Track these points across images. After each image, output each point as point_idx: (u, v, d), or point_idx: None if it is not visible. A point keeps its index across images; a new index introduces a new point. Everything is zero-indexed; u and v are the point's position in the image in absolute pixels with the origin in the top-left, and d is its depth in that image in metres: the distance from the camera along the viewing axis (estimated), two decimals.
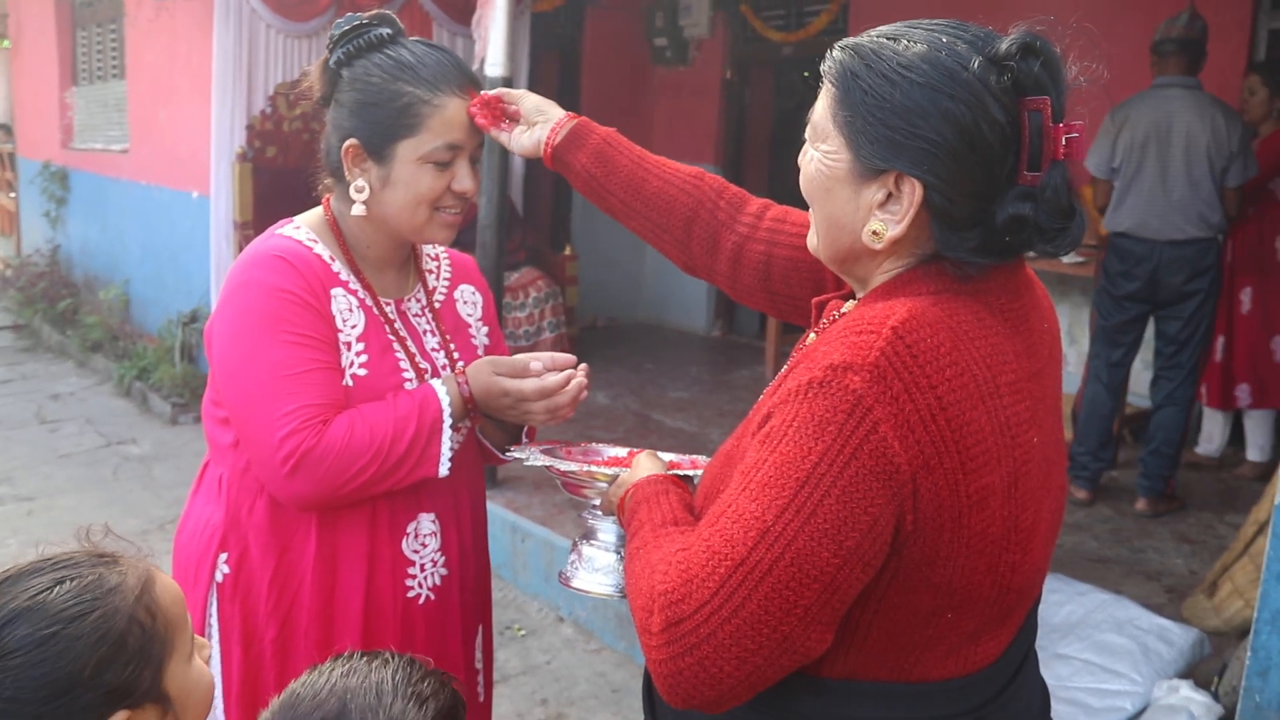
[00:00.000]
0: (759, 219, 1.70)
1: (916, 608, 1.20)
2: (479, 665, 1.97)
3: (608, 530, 1.60)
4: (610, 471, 1.54)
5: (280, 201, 6.71)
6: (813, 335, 1.42)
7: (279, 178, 6.65)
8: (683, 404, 6.64)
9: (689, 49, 8.92)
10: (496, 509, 4.65)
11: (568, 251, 7.68)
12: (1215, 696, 3.09)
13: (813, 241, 1.37)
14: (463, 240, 6.75)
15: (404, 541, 1.78)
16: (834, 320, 1.38)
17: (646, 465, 1.48)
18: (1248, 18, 5.70)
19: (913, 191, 1.20)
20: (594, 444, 1.84)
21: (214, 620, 1.75)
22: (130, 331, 8.50)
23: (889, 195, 1.23)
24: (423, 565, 1.80)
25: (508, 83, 4.51)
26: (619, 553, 1.58)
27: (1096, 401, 4.98)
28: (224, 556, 1.75)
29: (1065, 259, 5.63)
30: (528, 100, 1.81)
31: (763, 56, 8.71)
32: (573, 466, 1.56)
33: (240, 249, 6.65)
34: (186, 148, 7.41)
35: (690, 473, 1.56)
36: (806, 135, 1.34)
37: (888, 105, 1.19)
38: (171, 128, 7.74)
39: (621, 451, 1.80)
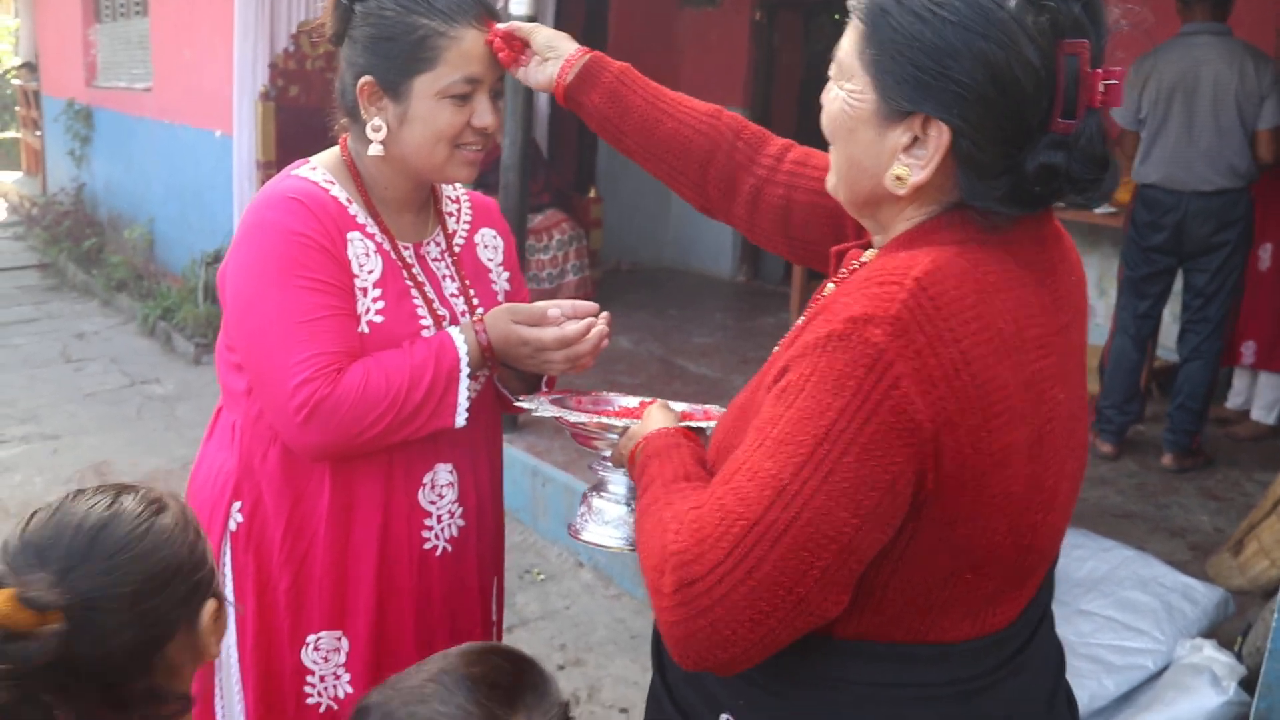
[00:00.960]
0: (779, 160, 1.65)
1: (935, 568, 1.17)
2: (495, 617, 1.96)
3: (618, 482, 1.57)
4: (621, 423, 1.51)
5: (303, 141, 6.63)
6: (831, 285, 1.38)
7: (302, 117, 6.59)
8: (706, 350, 6.60)
9: None
10: (517, 453, 4.64)
11: (592, 194, 7.61)
12: (1239, 657, 3.06)
13: (832, 183, 1.32)
14: (485, 182, 6.70)
15: (420, 492, 1.75)
16: (853, 270, 1.33)
17: (658, 417, 1.44)
18: None
19: (939, 136, 1.15)
20: (605, 393, 1.80)
21: (228, 568, 1.73)
22: (154, 271, 8.52)
23: (914, 139, 1.17)
24: (439, 516, 1.77)
25: (531, 21, 4.42)
26: (630, 505, 1.56)
27: (1123, 354, 4.91)
28: (237, 505, 1.73)
29: (1096, 209, 5.53)
30: (540, 34, 1.75)
31: None
32: (582, 418, 1.53)
33: None
34: (210, 86, 7.36)
35: (703, 424, 1.53)
36: (831, 72, 1.28)
37: (917, 44, 1.14)
38: (195, 66, 7.69)
39: (633, 401, 1.76)
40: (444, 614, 1.80)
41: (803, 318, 1.38)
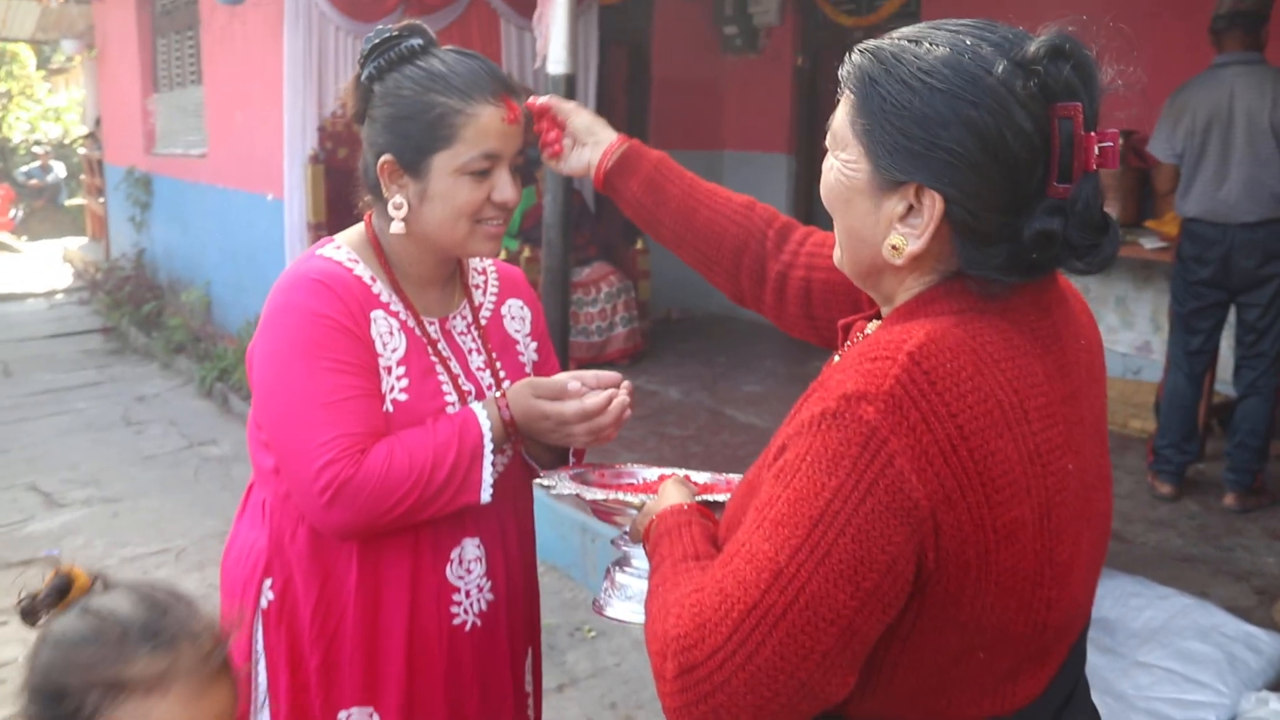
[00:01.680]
0: (801, 245, 1.67)
1: (944, 648, 1.14)
2: (529, 689, 1.95)
3: (641, 556, 1.56)
4: (637, 499, 1.51)
5: (352, 202, 6.79)
6: (836, 357, 1.37)
7: (350, 178, 6.63)
8: (755, 398, 6.57)
9: (759, 36, 8.81)
10: (566, 510, 4.64)
11: (639, 245, 7.64)
12: None
13: (837, 256, 1.32)
14: (532, 237, 6.73)
15: (448, 568, 1.76)
16: (857, 342, 1.33)
17: (672, 493, 1.44)
18: None
19: (933, 205, 1.13)
20: (628, 466, 1.80)
21: (260, 645, 1.75)
22: (211, 333, 8.67)
23: (910, 208, 1.16)
24: (468, 591, 1.78)
25: (570, 81, 4.47)
26: None
27: (1177, 391, 4.81)
28: (268, 582, 1.74)
29: (1147, 244, 5.45)
30: (579, 118, 1.79)
31: (834, 42, 8.54)
32: (599, 495, 1.53)
33: None
34: (261, 151, 7.52)
35: (718, 498, 1.51)
36: (827, 142, 1.28)
37: (906, 113, 1.13)
38: (246, 131, 7.87)
39: (654, 473, 1.76)
40: (475, 687, 1.80)
41: (805, 393, 1.38)
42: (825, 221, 1.46)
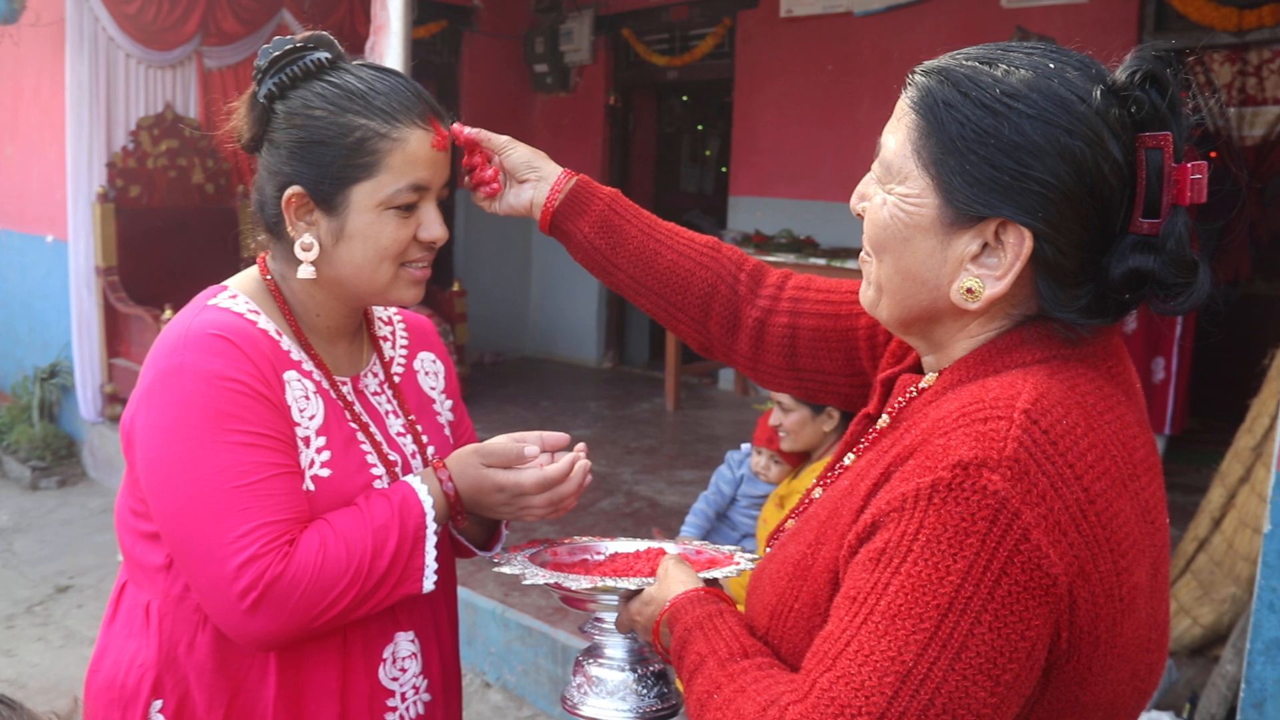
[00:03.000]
0: (780, 289, 1.52)
1: None
2: None
3: (616, 646, 1.39)
4: (624, 584, 1.32)
5: (148, 244, 6.30)
6: (885, 418, 1.21)
7: (145, 219, 6.20)
8: (588, 442, 6.30)
9: (570, 75, 8.73)
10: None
11: (456, 287, 7.37)
12: None
13: (871, 298, 1.17)
14: None
15: (381, 669, 1.49)
16: (910, 398, 1.17)
17: (679, 577, 1.27)
18: None
19: (1020, 242, 1.02)
20: (582, 539, 1.60)
21: None
22: None
23: (984, 245, 1.05)
24: (403, 694, 1.51)
25: None
26: (634, 671, 1.38)
27: None
28: (157, 704, 1.43)
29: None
30: (515, 153, 1.57)
31: (646, 81, 8.59)
32: (585, 584, 1.34)
33: (104, 296, 6.18)
34: (39, 187, 6.88)
35: (718, 574, 1.36)
36: (874, 174, 1.14)
37: (992, 140, 1.02)
38: (21, 166, 7.18)
39: (626, 546, 1.57)
40: None
41: (852, 455, 1.23)
42: None
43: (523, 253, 9.11)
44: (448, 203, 6.63)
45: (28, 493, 6.25)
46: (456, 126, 1.51)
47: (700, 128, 10.38)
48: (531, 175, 1.56)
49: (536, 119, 9.00)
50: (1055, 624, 0.94)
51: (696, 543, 1.59)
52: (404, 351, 1.67)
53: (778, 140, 7.41)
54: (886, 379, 1.26)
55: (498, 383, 8.05)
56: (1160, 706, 3.12)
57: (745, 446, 3.45)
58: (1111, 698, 1.02)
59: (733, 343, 1.53)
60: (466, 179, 1.59)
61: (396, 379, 1.62)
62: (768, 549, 1.30)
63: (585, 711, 1.37)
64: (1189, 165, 1.01)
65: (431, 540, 1.41)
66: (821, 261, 6.30)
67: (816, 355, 1.47)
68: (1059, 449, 0.95)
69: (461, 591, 4.15)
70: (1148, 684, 1.07)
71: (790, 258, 6.51)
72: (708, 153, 10.47)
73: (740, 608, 1.22)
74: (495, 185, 1.57)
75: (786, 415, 2.94)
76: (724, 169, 8.72)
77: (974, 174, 1.03)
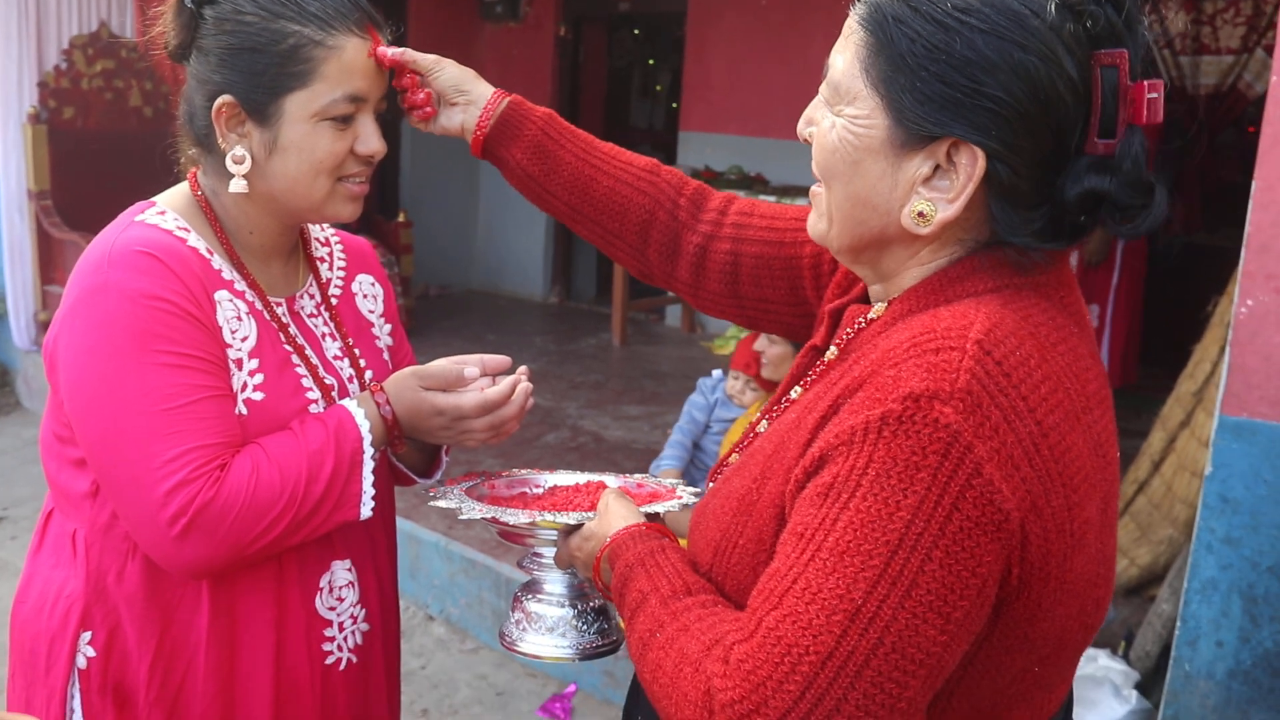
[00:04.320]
0: (723, 215, 1.48)
1: (1007, 668, 1.01)
2: None
3: (555, 581, 1.37)
4: (565, 518, 1.30)
5: (84, 168, 6.09)
6: (832, 349, 1.18)
7: (80, 141, 6.00)
8: (533, 377, 6.29)
9: (520, 4, 8.55)
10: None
11: (401, 218, 7.26)
12: (1127, 661, 3.05)
13: (821, 228, 1.14)
14: None
15: (318, 598, 1.45)
16: (859, 329, 1.15)
17: (620, 512, 1.24)
18: None
19: (972, 163, 0.99)
20: (520, 472, 1.57)
21: (78, 716, 1.39)
22: None
23: (936, 168, 1.01)
24: (341, 624, 1.48)
25: None
26: (574, 606, 1.36)
27: None
28: (86, 636, 1.39)
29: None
30: (444, 73, 1.50)
31: (597, 13, 8.45)
32: (523, 518, 1.31)
33: (37, 220, 5.99)
34: None
35: (659, 508, 1.33)
36: (822, 96, 1.10)
37: (944, 56, 0.98)
38: None
39: (566, 479, 1.54)
40: None
41: (799, 388, 1.20)
42: None
43: (470, 184, 8.98)
44: (393, 131, 6.45)
45: None
46: (381, 49, 1.44)
47: (651, 62, 10.25)
48: (461, 99, 1.50)
49: (485, 49, 8.82)
50: (1006, 560, 0.92)
51: (637, 476, 1.56)
52: (341, 273, 1.62)
53: (730, 76, 7.33)
54: (834, 310, 1.24)
55: (442, 316, 7.96)
56: (1096, 644, 3.18)
57: (717, 373, 3.45)
58: (1060, 633, 1.01)
59: (672, 269, 1.50)
60: (401, 101, 1.53)
61: (334, 301, 1.57)
62: (710, 484, 1.28)
63: (524, 648, 1.35)
64: (1145, 83, 0.98)
65: (369, 465, 1.37)
66: (771, 198, 6.27)
67: (759, 283, 1.44)
68: (1012, 381, 0.93)
69: (404, 524, 4.13)
70: (1094, 619, 1.06)
71: (740, 194, 6.46)
72: (659, 87, 10.35)
73: (683, 543, 1.21)
74: (429, 109, 1.51)
75: (770, 346, 2.95)
76: (675, 104, 8.62)
77: (925, 91, 0.99)
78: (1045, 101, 0.97)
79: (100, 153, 5.97)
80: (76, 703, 1.39)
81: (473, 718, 3.41)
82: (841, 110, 1.06)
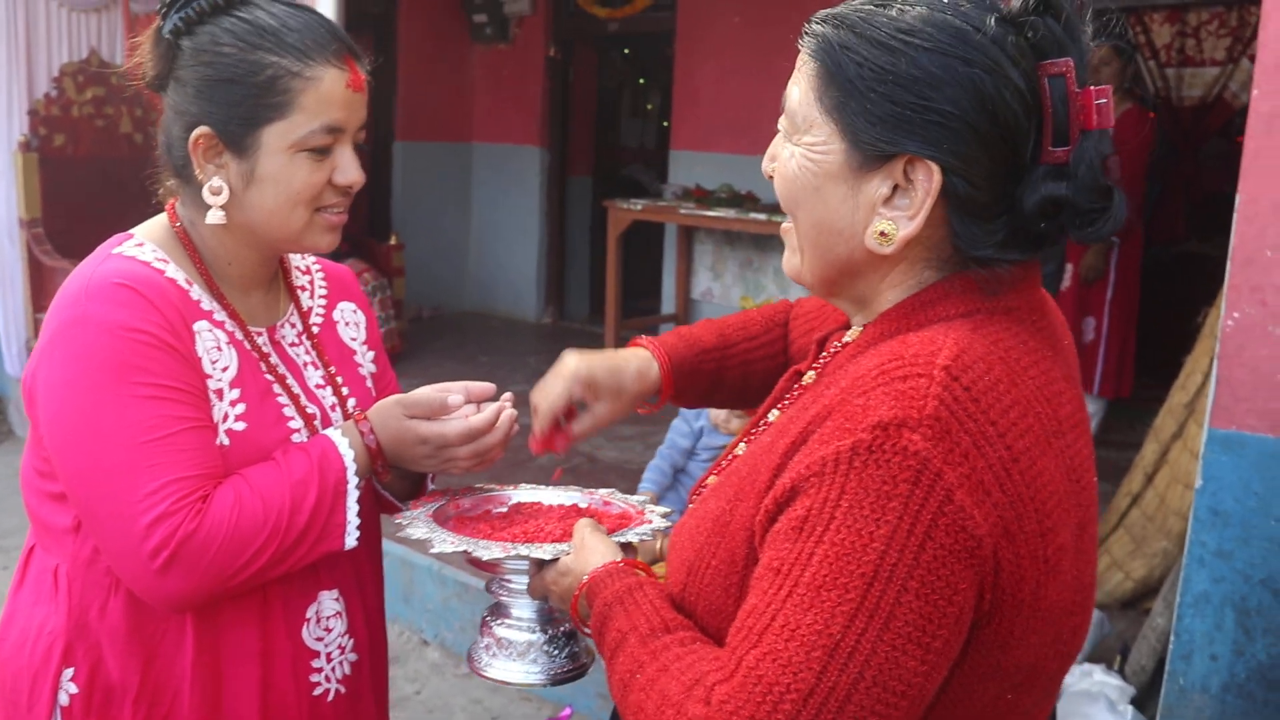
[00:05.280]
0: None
1: (980, 695, 1.00)
2: None
3: (524, 606, 1.35)
4: (547, 552, 1.28)
5: (74, 196, 6.09)
6: (811, 373, 1.18)
7: (70, 169, 6.00)
8: (527, 397, 6.32)
9: (510, 26, 8.56)
10: None
11: (393, 240, 7.26)
12: (1123, 676, 3.04)
13: (794, 264, 1.15)
14: None
15: (305, 629, 1.45)
16: (835, 353, 1.15)
17: (596, 546, 1.23)
18: None
19: (929, 178, 1.00)
20: (485, 488, 1.56)
21: None
22: None
23: (895, 187, 1.03)
24: (329, 654, 1.47)
25: None
26: (544, 631, 1.35)
27: None
28: (69, 673, 1.38)
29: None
30: (598, 373, 1.51)
31: (586, 33, 8.46)
32: (497, 553, 1.29)
33: (28, 248, 5.99)
34: None
35: (631, 536, 1.32)
36: (781, 128, 1.12)
37: (890, 77, 1.00)
38: None
39: (529, 495, 1.53)
40: None
41: (776, 412, 1.20)
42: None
43: (462, 206, 9.00)
44: (385, 153, 6.45)
45: None
46: (540, 434, 1.50)
47: (642, 81, 10.28)
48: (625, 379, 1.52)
49: (475, 71, 8.85)
50: (980, 586, 0.92)
51: (603, 492, 1.55)
52: (323, 301, 1.62)
53: (719, 94, 7.35)
54: (820, 338, 1.24)
55: (435, 338, 7.95)
56: (1092, 659, 3.17)
57: None
58: (1033, 662, 1.00)
59: None
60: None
61: (315, 329, 1.57)
62: (690, 504, 1.28)
63: (493, 674, 1.33)
64: (1093, 89, 1.00)
65: (353, 495, 1.37)
66: (762, 216, 6.28)
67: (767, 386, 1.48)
68: (981, 406, 0.93)
69: (397, 549, 4.11)
70: (1070, 647, 1.05)
71: (730, 212, 6.48)
72: (649, 106, 10.38)
73: (659, 568, 1.20)
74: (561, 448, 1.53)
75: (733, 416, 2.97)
76: (665, 123, 8.64)
77: (875, 112, 1.00)
78: (994, 113, 0.98)
79: (90, 179, 5.97)
80: None
81: None
82: (800, 140, 1.08)
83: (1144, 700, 2.98)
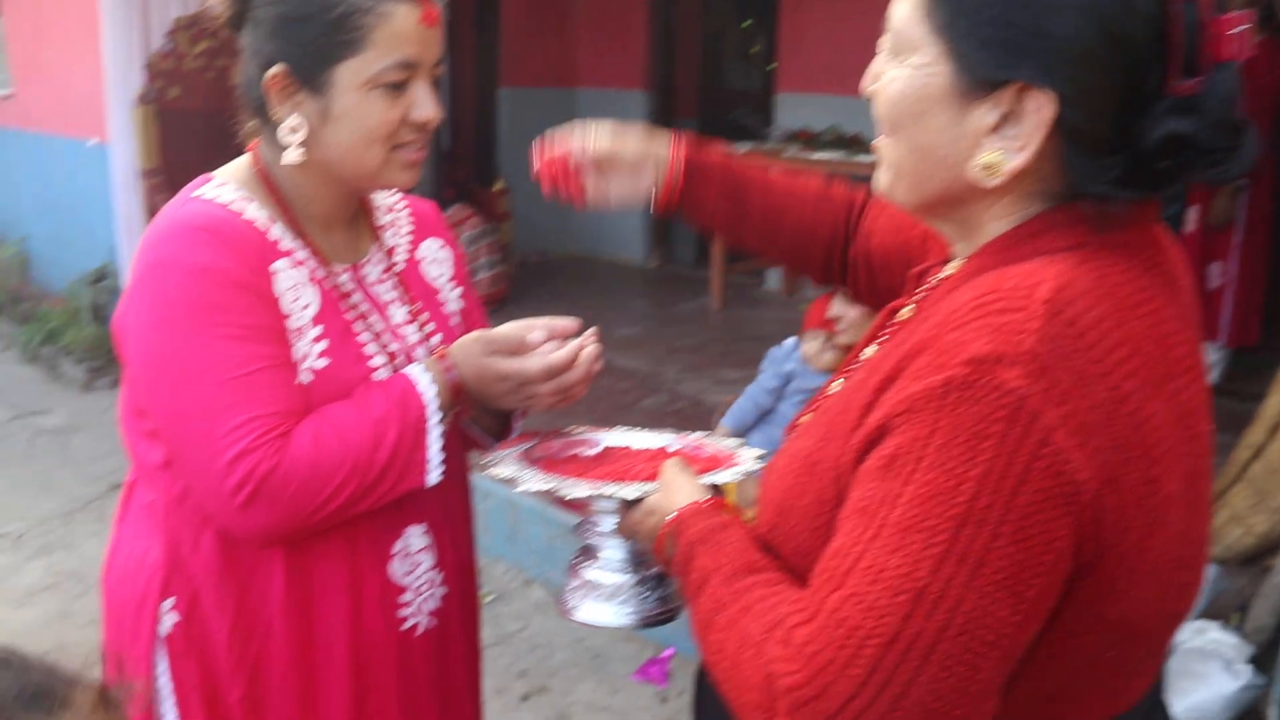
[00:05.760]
0: (865, 220, 1.51)
1: (1079, 651, 0.96)
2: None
3: (614, 547, 1.34)
4: (632, 492, 1.26)
5: (189, 146, 6.24)
6: (908, 309, 1.14)
7: (186, 120, 6.15)
8: (632, 341, 6.34)
9: None
10: None
11: (499, 186, 7.30)
12: (1241, 634, 2.93)
13: (887, 182, 1.09)
14: None
15: (391, 564, 1.47)
16: (933, 287, 1.10)
17: (682, 485, 1.20)
18: None
19: (1040, 107, 0.93)
20: (576, 431, 1.55)
21: (165, 680, 1.43)
22: (33, 293, 7.93)
23: (1004, 116, 0.95)
24: (418, 589, 1.49)
25: None
26: (634, 573, 1.33)
27: None
28: (169, 603, 1.42)
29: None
30: (628, 147, 1.48)
31: None
32: (584, 490, 1.28)
33: (147, 198, 6.18)
34: (79, 91, 6.83)
35: (720, 478, 1.30)
36: (883, 47, 1.06)
37: None
38: (61, 69, 7.14)
39: (621, 439, 1.51)
40: (433, 700, 1.53)
41: (874, 347, 1.15)
42: None
43: None
44: (491, 100, 6.46)
45: (82, 393, 6.34)
46: (546, 156, 1.49)
47: (747, 24, 10.10)
48: (649, 161, 1.49)
49: (577, 15, 8.79)
50: (1079, 535, 0.87)
51: (695, 435, 1.53)
52: (408, 239, 1.61)
53: (825, 34, 7.17)
54: (918, 272, 1.19)
55: (542, 282, 8.00)
56: (1208, 615, 3.06)
57: (789, 341, 3.39)
58: (1136, 617, 0.96)
59: (845, 278, 1.54)
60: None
61: (400, 267, 1.57)
62: (784, 443, 1.25)
63: (582, 617, 1.33)
64: (1228, 17, 0.92)
65: (435, 431, 1.37)
66: (869, 159, 6.13)
67: (889, 273, 1.43)
68: (1085, 343, 0.88)
69: (503, 490, 4.17)
70: (1179, 605, 1.00)
71: (838, 154, 6.36)
72: (754, 49, 10.20)
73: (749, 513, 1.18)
74: (571, 192, 1.53)
75: (848, 309, 2.86)
76: (770, 65, 8.49)
77: (987, 35, 0.94)
78: (1116, 39, 0.91)
79: (204, 129, 6.11)
80: (163, 667, 1.43)
81: (570, 680, 3.44)
82: (903, 60, 1.01)
83: (1263, 659, 2.87)
